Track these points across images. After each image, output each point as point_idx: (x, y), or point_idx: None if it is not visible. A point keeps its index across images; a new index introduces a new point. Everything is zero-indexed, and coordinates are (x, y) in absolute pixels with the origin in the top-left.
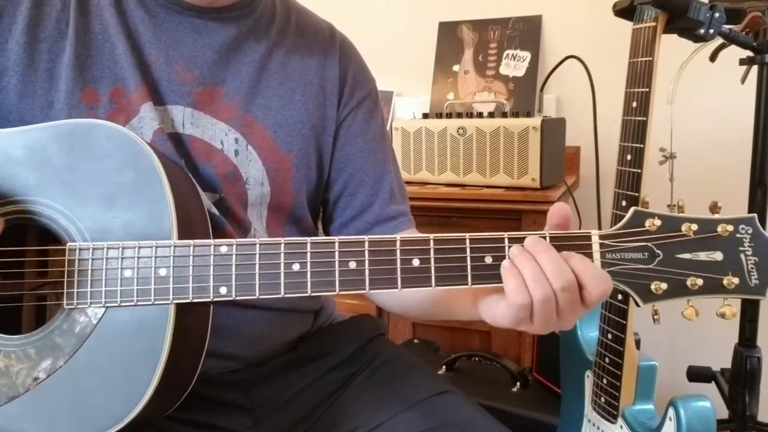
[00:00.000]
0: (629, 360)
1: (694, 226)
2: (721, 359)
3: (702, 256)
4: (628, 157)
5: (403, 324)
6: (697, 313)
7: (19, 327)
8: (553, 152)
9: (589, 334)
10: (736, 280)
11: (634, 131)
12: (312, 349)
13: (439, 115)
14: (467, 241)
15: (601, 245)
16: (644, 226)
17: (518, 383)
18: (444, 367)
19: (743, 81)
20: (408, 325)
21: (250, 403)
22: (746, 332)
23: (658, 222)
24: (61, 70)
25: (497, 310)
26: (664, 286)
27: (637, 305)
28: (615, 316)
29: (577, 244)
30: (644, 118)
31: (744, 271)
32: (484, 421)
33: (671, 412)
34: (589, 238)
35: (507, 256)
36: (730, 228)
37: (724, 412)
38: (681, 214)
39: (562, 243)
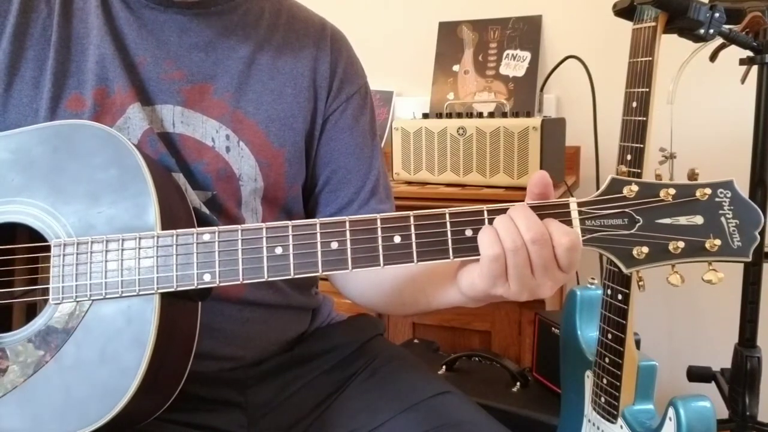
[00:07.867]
0: (629, 360)
1: (672, 191)
2: (721, 359)
3: (682, 220)
4: (628, 157)
5: (403, 324)
6: (683, 279)
7: (10, 325)
8: (553, 152)
9: (589, 334)
10: (718, 242)
11: (634, 131)
12: (310, 348)
13: (439, 115)
14: (447, 216)
15: (580, 212)
16: (622, 193)
17: (518, 383)
18: (444, 367)
19: (743, 81)
20: (408, 325)
21: (246, 402)
22: (746, 332)
23: (635, 188)
24: (46, 77)
25: (474, 272)
26: (645, 250)
27: (622, 271)
28: (615, 316)
29: (556, 212)
30: (644, 118)
31: (726, 234)
32: (484, 422)
33: (671, 412)
34: (567, 206)
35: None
36: (708, 191)
37: (724, 412)
38: (659, 181)
39: (541, 212)
